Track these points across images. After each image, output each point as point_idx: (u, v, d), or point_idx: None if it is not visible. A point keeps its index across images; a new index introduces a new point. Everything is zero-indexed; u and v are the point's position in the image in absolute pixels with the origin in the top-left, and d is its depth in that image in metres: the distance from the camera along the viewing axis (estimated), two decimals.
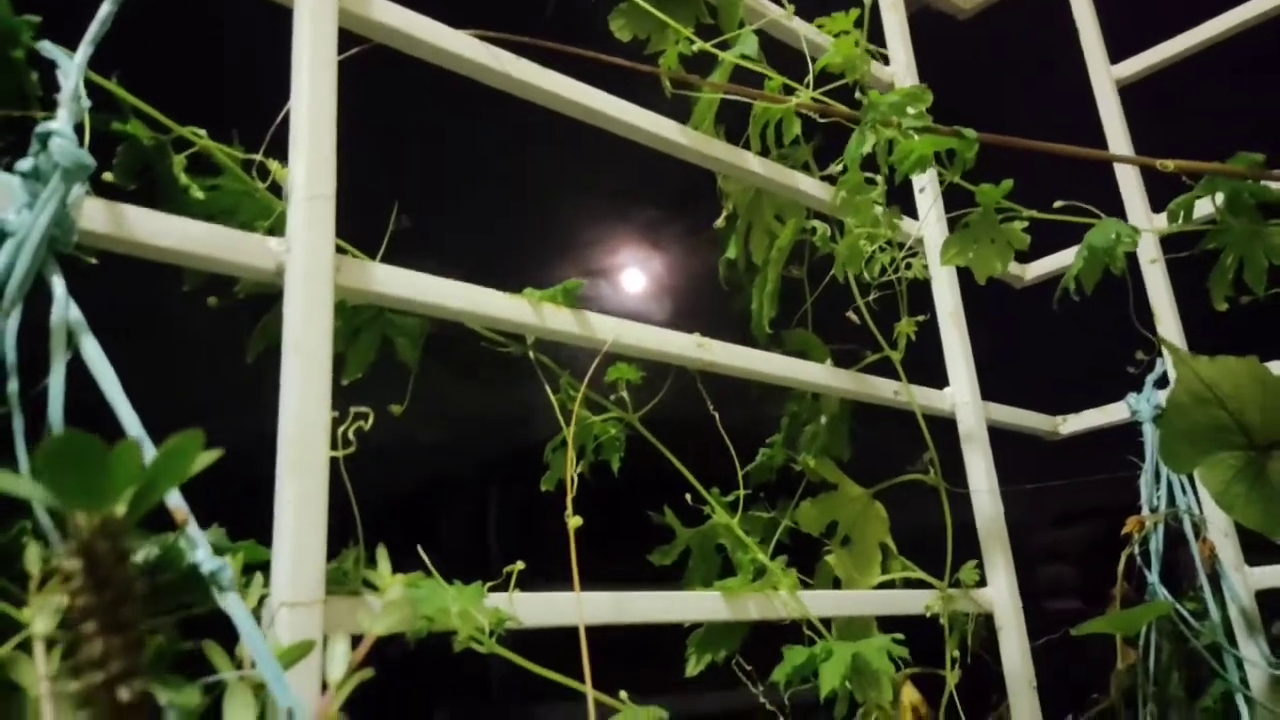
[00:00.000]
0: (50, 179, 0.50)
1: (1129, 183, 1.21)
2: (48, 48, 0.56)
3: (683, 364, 0.89)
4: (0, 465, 0.49)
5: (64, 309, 0.51)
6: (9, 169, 0.53)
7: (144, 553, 0.50)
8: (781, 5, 1.08)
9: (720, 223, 1.11)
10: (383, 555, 0.57)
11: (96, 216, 0.55)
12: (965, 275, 1.25)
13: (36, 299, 0.53)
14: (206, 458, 0.35)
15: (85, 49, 0.55)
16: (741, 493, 0.92)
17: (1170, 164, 0.80)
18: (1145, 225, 1.16)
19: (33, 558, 0.47)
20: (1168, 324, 1.15)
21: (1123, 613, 0.98)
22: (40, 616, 0.44)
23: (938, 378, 1.19)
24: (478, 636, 0.61)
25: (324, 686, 0.51)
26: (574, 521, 0.66)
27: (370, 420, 0.60)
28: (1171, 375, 1.17)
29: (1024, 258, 1.40)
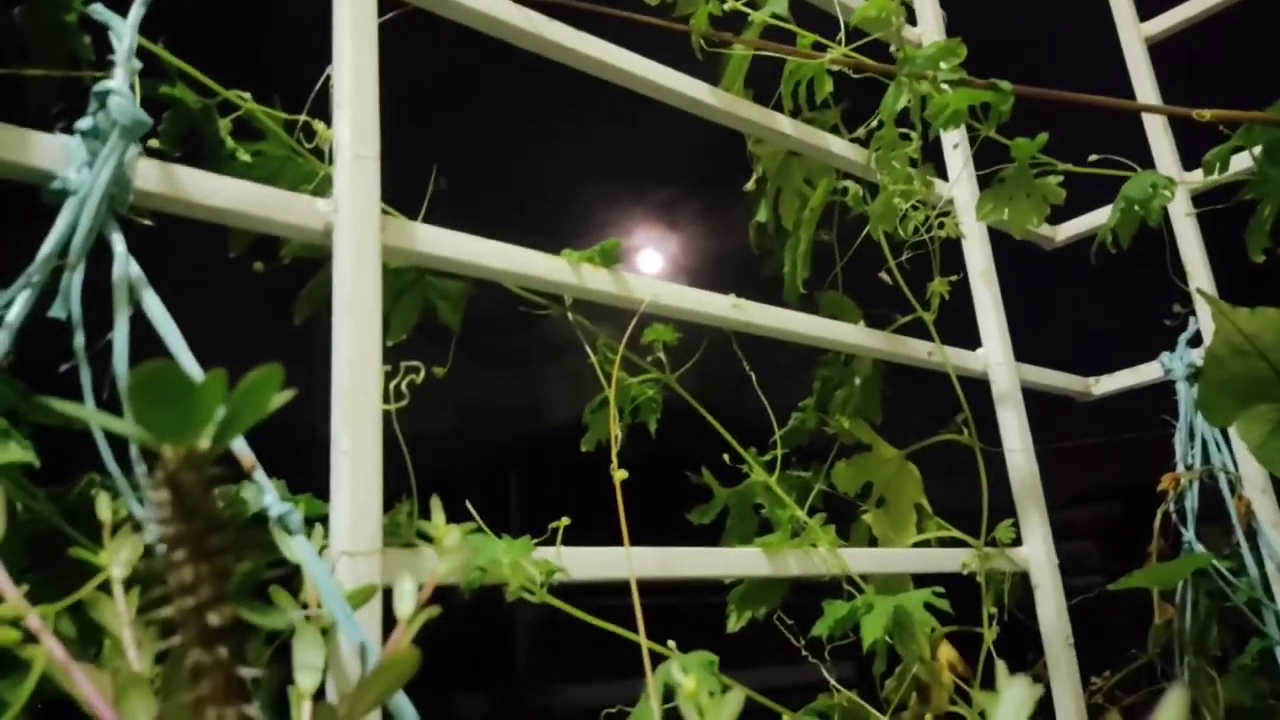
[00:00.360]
0: (109, 137, 0.51)
1: (1160, 139, 1.20)
2: (100, 10, 0.57)
3: (719, 325, 0.90)
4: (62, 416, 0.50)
5: (125, 265, 0.52)
6: (66, 132, 0.55)
7: None
8: None
9: (751, 186, 1.11)
10: (436, 506, 0.57)
11: (151, 176, 0.56)
12: (996, 237, 1.25)
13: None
14: (282, 396, 0.36)
15: (138, 9, 0.56)
16: (779, 452, 0.93)
17: (1207, 114, 0.79)
18: (1176, 175, 1.15)
19: (104, 506, 0.48)
20: (1201, 279, 1.14)
21: (1161, 566, 0.98)
22: (117, 560, 0.45)
23: (968, 338, 1.19)
24: (529, 586, 0.62)
25: (384, 630, 0.52)
26: (620, 475, 0.67)
27: (421, 374, 0.60)
28: (1206, 332, 1.16)
29: (1054, 219, 1.39)
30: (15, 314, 0.47)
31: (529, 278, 0.76)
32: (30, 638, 0.39)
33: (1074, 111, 0.93)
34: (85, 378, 0.49)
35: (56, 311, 0.48)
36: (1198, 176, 1.11)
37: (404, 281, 0.77)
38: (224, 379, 0.33)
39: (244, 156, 0.67)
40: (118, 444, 0.49)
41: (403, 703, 0.45)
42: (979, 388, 1.19)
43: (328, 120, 0.71)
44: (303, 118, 0.69)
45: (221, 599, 0.33)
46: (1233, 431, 1.06)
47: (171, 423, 0.33)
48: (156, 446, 0.33)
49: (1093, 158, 0.92)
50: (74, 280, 0.49)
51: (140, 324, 0.54)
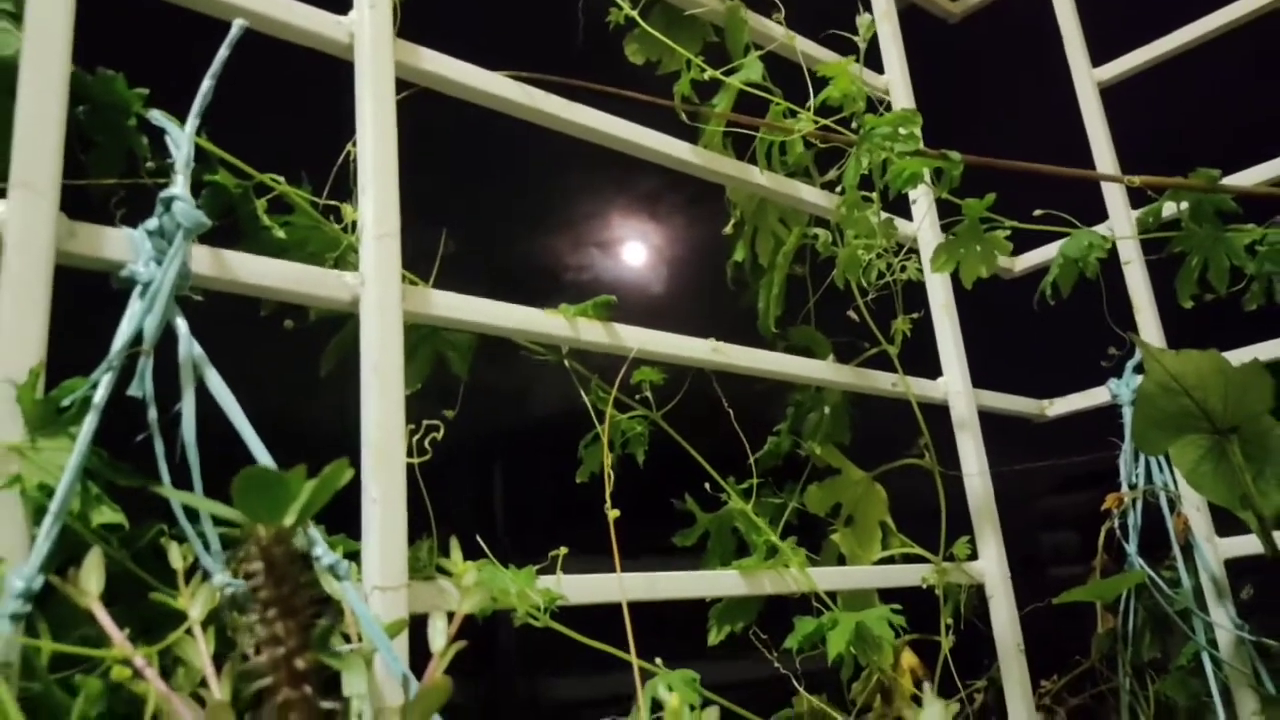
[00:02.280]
0: (174, 237, 0.60)
1: (1111, 188, 1.29)
2: (158, 117, 0.65)
3: (700, 365, 0.99)
4: (142, 477, 0.59)
5: (189, 346, 0.60)
6: (127, 221, 0.63)
7: None
8: (783, 25, 1.17)
9: (728, 229, 1.20)
10: (455, 546, 0.66)
11: (204, 261, 0.65)
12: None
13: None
14: (346, 477, 0.45)
15: (193, 121, 0.64)
16: (754, 481, 1.02)
17: (1137, 180, 0.89)
18: (1125, 223, 1.24)
19: (175, 555, 0.57)
20: (1145, 316, 1.24)
21: (1101, 582, 1.08)
22: (194, 604, 0.54)
23: (931, 363, 1.29)
24: (534, 613, 0.71)
25: (411, 653, 0.61)
26: (613, 514, 0.76)
27: (441, 432, 0.69)
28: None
29: (1014, 249, 1.49)
30: (101, 395, 0.55)
31: (532, 333, 0.84)
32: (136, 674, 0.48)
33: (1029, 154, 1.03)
34: (159, 447, 0.57)
35: (134, 391, 0.57)
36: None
37: (418, 336, 0.85)
38: (304, 472, 0.42)
39: (278, 233, 0.75)
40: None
41: None
42: (942, 410, 1.29)
43: (348, 188, 0.80)
44: (325, 201, 0.78)
45: (306, 648, 0.41)
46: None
47: (266, 508, 0.41)
48: (251, 527, 0.42)
49: (1038, 213, 1.02)
50: (148, 364, 0.58)
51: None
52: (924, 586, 1.09)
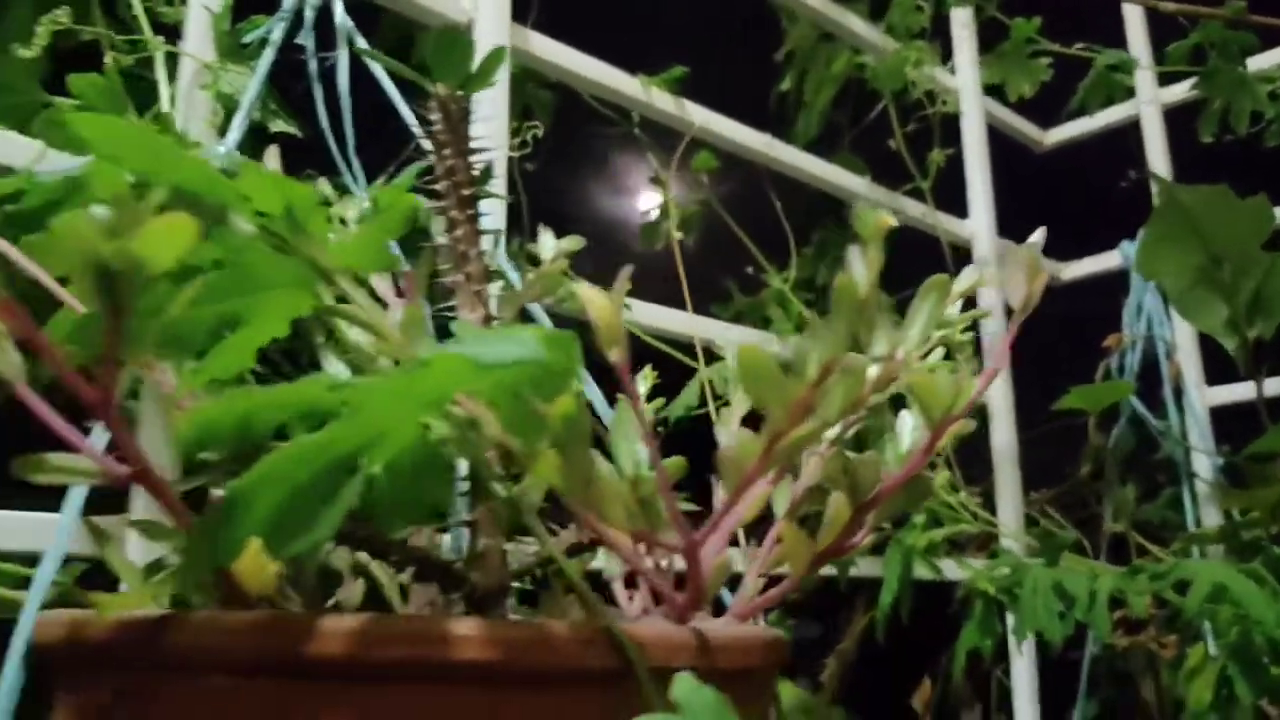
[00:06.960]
0: None
1: (1136, 32, 1.34)
2: None
3: (752, 157, 1.08)
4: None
5: (343, 17, 0.70)
6: None
7: None
8: None
9: (780, 55, 1.29)
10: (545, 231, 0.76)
11: None
12: (995, 136, 1.43)
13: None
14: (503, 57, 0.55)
15: None
16: (793, 273, 1.12)
17: (1171, 6, 0.98)
18: (1146, 56, 1.30)
19: (325, 186, 0.67)
20: (1158, 162, 1.31)
21: (1091, 386, 1.18)
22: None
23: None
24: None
25: None
26: (676, 235, 0.86)
27: (542, 130, 0.79)
28: None
29: (1047, 126, 1.57)
30: (276, 35, 0.65)
31: (608, 89, 0.94)
32: None
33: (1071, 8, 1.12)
34: (317, 91, 0.67)
35: (303, 39, 0.67)
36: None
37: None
38: (472, 47, 0.52)
39: None
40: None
41: None
42: (964, 261, 1.39)
43: None
44: None
45: (474, 181, 0.52)
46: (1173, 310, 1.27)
47: (447, 69, 0.51)
48: (434, 86, 0.52)
49: (1078, 46, 1.10)
50: (310, 17, 0.67)
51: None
52: None
